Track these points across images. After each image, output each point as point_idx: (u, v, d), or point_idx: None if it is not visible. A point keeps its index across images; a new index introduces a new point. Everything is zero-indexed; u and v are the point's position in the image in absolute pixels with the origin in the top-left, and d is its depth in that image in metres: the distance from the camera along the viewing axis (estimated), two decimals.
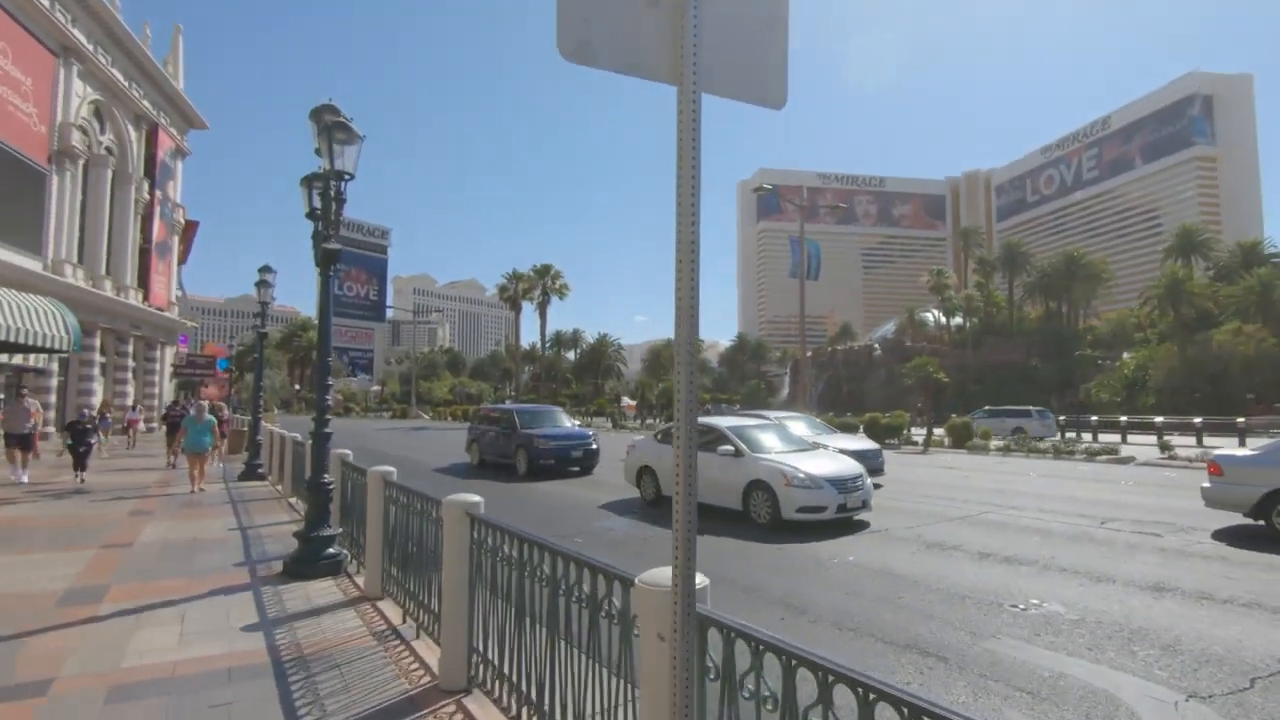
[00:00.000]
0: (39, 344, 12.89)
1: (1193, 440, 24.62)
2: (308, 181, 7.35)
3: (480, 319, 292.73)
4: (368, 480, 6.14)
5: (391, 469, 6.02)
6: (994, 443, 23.61)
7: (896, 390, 76.73)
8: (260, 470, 14.79)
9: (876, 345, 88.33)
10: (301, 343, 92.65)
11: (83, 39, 28.15)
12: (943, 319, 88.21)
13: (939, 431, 26.01)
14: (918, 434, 26.85)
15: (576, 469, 16.42)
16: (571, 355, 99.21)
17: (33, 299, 13.36)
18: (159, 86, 35.32)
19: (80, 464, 13.89)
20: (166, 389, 39.36)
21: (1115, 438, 26.52)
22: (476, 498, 4.29)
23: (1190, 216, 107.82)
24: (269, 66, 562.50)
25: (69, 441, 14.20)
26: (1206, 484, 9.04)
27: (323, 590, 6.14)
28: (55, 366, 26.84)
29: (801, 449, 10.44)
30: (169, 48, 37.57)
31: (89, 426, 14.46)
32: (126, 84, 31.96)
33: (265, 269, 14.95)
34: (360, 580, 6.36)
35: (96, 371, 30.47)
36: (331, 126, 6.28)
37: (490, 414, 18.53)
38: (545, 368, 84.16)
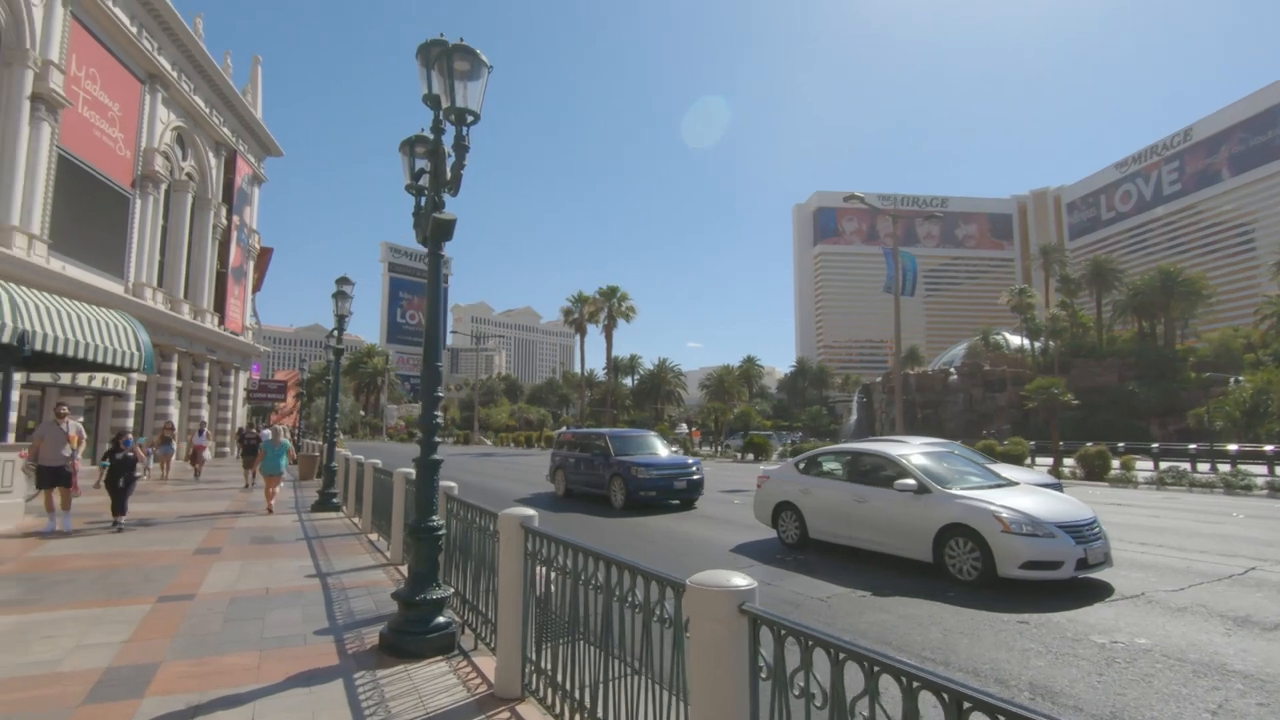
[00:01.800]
0: (110, 361, 11.92)
1: None
2: (408, 145, 5.84)
3: (535, 346, 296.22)
4: (499, 527, 4.44)
5: (532, 513, 4.31)
6: (1140, 473, 20.56)
7: (976, 416, 72.25)
8: (335, 500, 13.44)
9: (952, 370, 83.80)
10: (367, 369, 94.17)
11: (168, 66, 28.54)
12: (1020, 341, 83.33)
13: (1068, 462, 23.04)
14: (1040, 462, 23.93)
15: (677, 502, 14.53)
16: (628, 381, 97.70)
17: (103, 312, 12.47)
18: (238, 114, 35.86)
19: (119, 505, 10.60)
20: (240, 414, 39.46)
21: (1226, 467, 22.84)
22: (743, 580, 2.53)
23: None
24: (338, 96, 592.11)
25: (105, 478, 10.84)
26: None
27: (437, 680, 4.42)
28: (133, 390, 26.70)
29: (1000, 484, 8.29)
30: (248, 77, 38.32)
31: (130, 456, 10.90)
32: (208, 111, 32.41)
33: (343, 280, 13.79)
34: (486, 665, 4.62)
35: (173, 395, 30.39)
36: (451, 52, 4.73)
37: (578, 439, 16.85)
38: (606, 393, 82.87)
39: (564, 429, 26.46)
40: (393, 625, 5.01)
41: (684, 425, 76.90)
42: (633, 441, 15.83)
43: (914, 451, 8.78)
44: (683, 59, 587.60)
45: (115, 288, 24.93)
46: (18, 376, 20.13)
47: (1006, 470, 11.31)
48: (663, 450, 16.04)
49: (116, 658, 4.69)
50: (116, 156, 25.59)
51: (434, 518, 5.20)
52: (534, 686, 4.08)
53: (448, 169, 5.25)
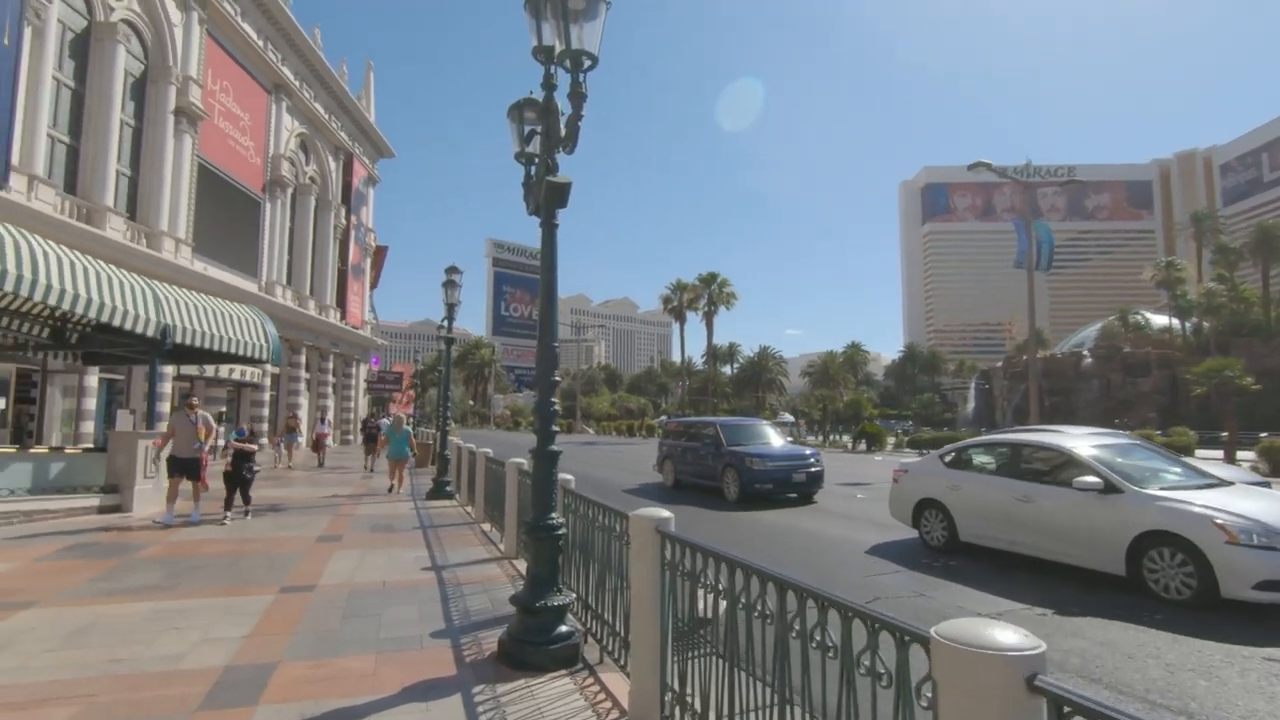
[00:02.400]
0: (241, 352, 12.47)
1: None
2: (517, 110, 5.33)
3: (634, 336, 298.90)
4: (630, 531, 3.85)
5: (667, 514, 3.69)
6: None
7: (1114, 403, 65.54)
8: (449, 488, 13.54)
9: (1086, 352, 76.49)
10: (475, 360, 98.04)
11: (290, 76, 30.22)
12: (1165, 320, 74.95)
13: (1244, 455, 20.02)
14: (1204, 455, 20.94)
15: (794, 495, 13.61)
16: (727, 369, 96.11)
17: (235, 306, 13.06)
18: (354, 119, 37.67)
19: (236, 496, 10.29)
20: (361, 403, 41.80)
21: None
22: (1021, 637, 1.72)
23: None
24: (443, 97, 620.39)
25: (226, 470, 10.43)
26: None
27: (563, 701, 3.90)
28: (268, 382, 28.65)
29: (1209, 483, 6.89)
30: (361, 83, 40.19)
31: (245, 448, 10.37)
32: (327, 117, 34.18)
33: (452, 269, 13.82)
34: (615, 684, 4.07)
35: (303, 386, 32.44)
36: None
37: (686, 428, 16.23)
38: (706, 381, 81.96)
39: (664, 417, 25.82)
40: (512, 633, 4.55)
41: (785, 414, 74.90)
42: (745, 430, 15.01)
43: (1090, 443, 7.48)
44: (772, 30, 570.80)
45: (250, 286, 26.75)
46: (169, 369, 21.92)
47: (1212, 467, 9.60)
48: (776, 439, 15.12)
49: (236, 655, 4.50)
50: (248, 163, 27.39)
51: (553, 515, 4.70)
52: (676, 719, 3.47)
53: (561, 126, 4.69)
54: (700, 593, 3.24)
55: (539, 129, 4.93)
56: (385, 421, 30.94)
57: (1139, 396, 65.18)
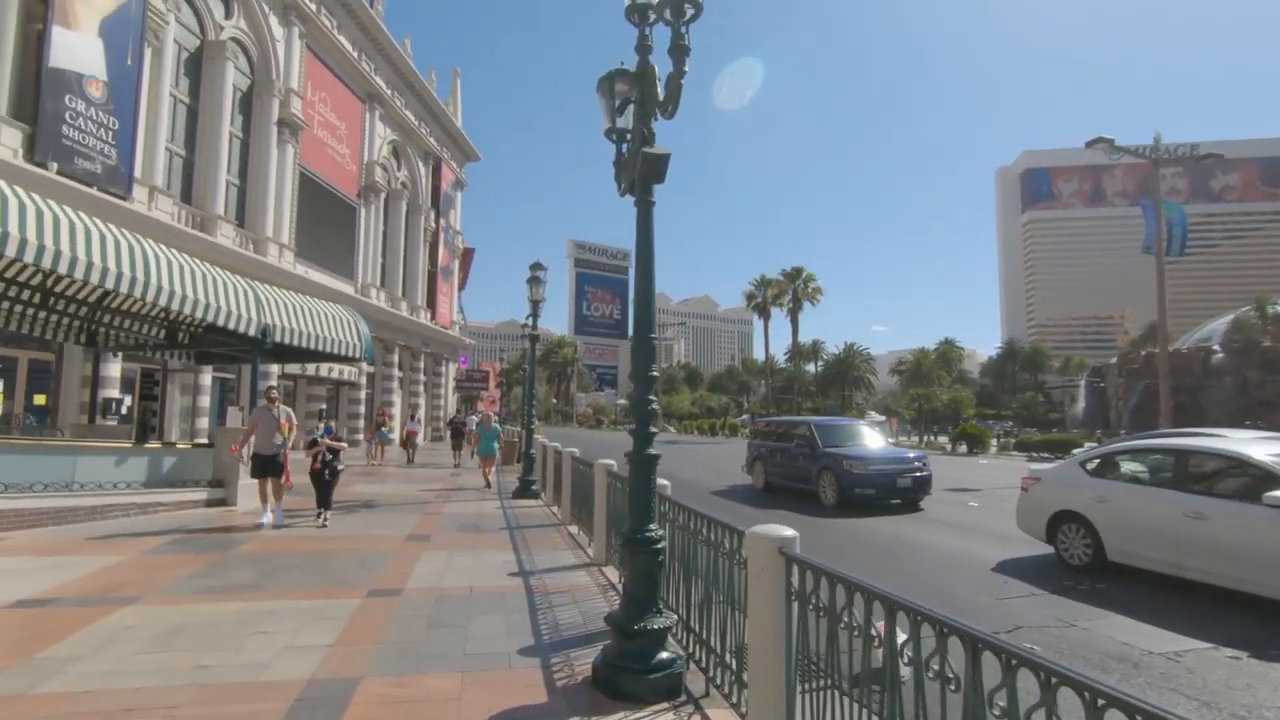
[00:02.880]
0: (335, 351, 12.73)
1: None
2: (607, 82, 4.83)
3: (714, 334, 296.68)
4: (748, 551, 3.29)
5: (791, 534, 3.11)
6: None
7: (1252, 402, 59.12)
8: (534, 487, 13.37)
9: (1216, 346, 69.37)
10: (558, 359, 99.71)
11: (383, 85, 31.29)
12: None
13: None
14: None
15: (897, 502, 12.60)
16: (811, 368, 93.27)
17: (330, 306, 13.38)
18: (443, 125, 38.73)
19: (324, 499, 9.69)
20: (450, 401, 43.07)
21: None
22: None
23: None
24: (526, 100, 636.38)
25: (313, 469, 9.71)
26: None
27: None
28: (364, 380, 29.82)
29: None
30: (449, 90, 41.31)
31: (333, 445, 9.79)
32: (417, 124, 35.25)
33: (536, 265, 13.65)
34: None
35: (395, 384, 33.61)
36: None
37: (777, 428, 15.45)
38: (790, 379, 79.89)
39: (746, 416, 24.70)
40: (608, 658, 4.08)
41: (873, 413, 71.83)
42: (841, 431, 14.08)
43: (1270, 450, 6.28)
44: (857, 11, 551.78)
45: (347, 288, 27.87)
46: (274, 368, 23.04)
47: None
48: (876, 440, 14.12)
49: (320, 666, 4.25)
50: (345, 171, 28.55)
51: (652, 527, 4.20)
52: None
53: (659, 90, 4.18)
54: (843, 634, 2.65)
55: (633, 98, 4.44)
56: (473, 419, 31.69)
57: None
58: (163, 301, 9.51)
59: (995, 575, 7.46)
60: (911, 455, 13.14)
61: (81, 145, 15.40)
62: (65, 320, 12.30)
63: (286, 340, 11.70)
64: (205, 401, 20.12)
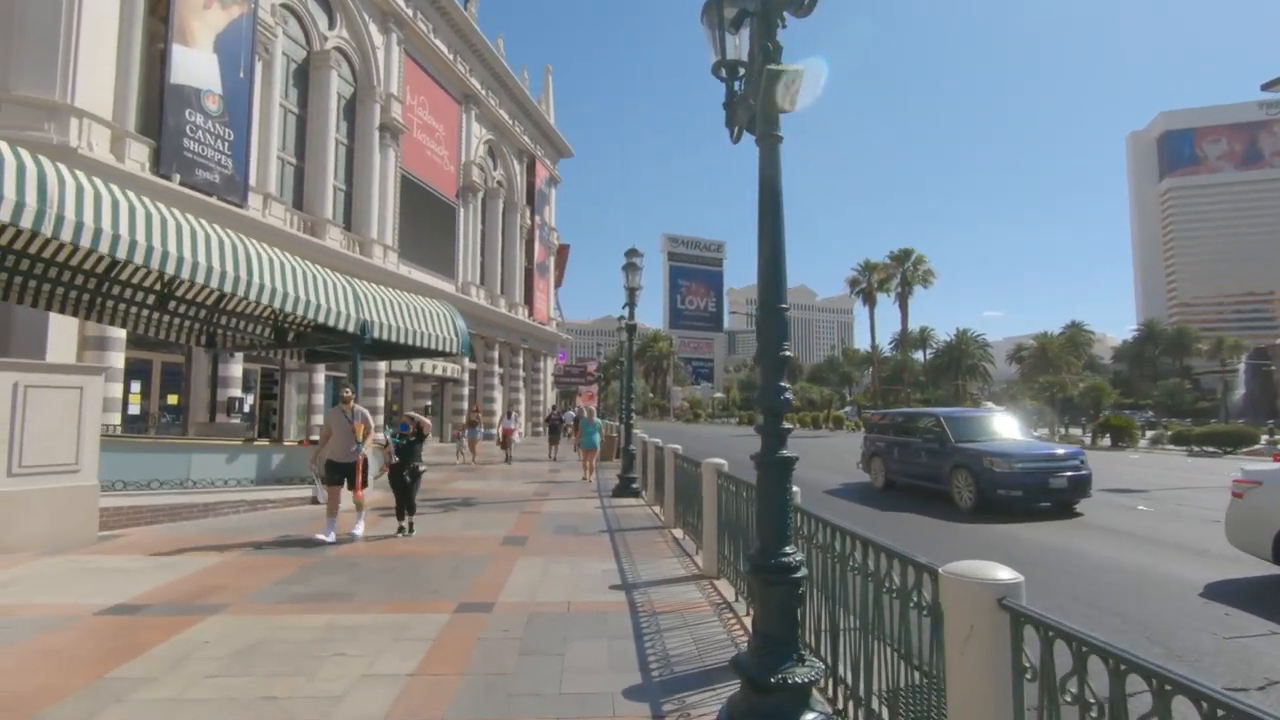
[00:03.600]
0: (431, 346, 12.58)
1: None
2: (715, 8, 3.96)
3: (811, 324, 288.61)
4: (946, 598, 2.33)
5: (1015, 578, 2.12)
6: None
7: None
8: (634, 485, 12.70)
9: None
10: (654, 353, 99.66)
11: (478, 85, 31.71)
12: None
13: None
14: None
15: (1047, 505, 10.94)
16: (919, 356, 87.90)
17: (426, 301, 13.27)
18: (536, 122, 39.00)
19: (406, 505, 8.44)
20: (549, 396, 43.55)
21: None
22: None
23: None
24: (618, 97, 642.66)
25: (389, 471, 8.52)
26: None
27: None
28: (466, 376, 30.42)
29: None
30: (541, 87, 41.58)
31: (410, 440, 8.50)
32: (511, 122, 35.60)
33: (632, 252, 12.95)
34: None
35: (496, 380, 34.18)
36: None
37: (899, 421, 14.00)
38: (897, 369, 75.76)
39: (849, 408, 22.58)
40: (739, 708, 3.23)
41: (987, 403, 66.60)
42: (976, 423, 12.50)
43: None
44: None
45: (448, 287, 28.44)
46: (381, 366, 23.73)
47: None
48: (1016, 434, 12.42)
49: (395, 704, 3.66)
50: (443, 172, 29.12)
51: (788, 550, 3.29)
52: None
53: None
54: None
55: (751, 7, 3.53)
56: (569, 414, 31.71)
57: None
58: (265, 299, 9.53)
59: (1208, 604, 5.98)
60: (1064, 451, 11.39)
61: (201, 157, 16.17)
62: (186, 323, 12.82)
63: (384, 336, 11.61)
64: (320, 400, 20.92)
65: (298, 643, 4.55)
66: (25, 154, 6.83)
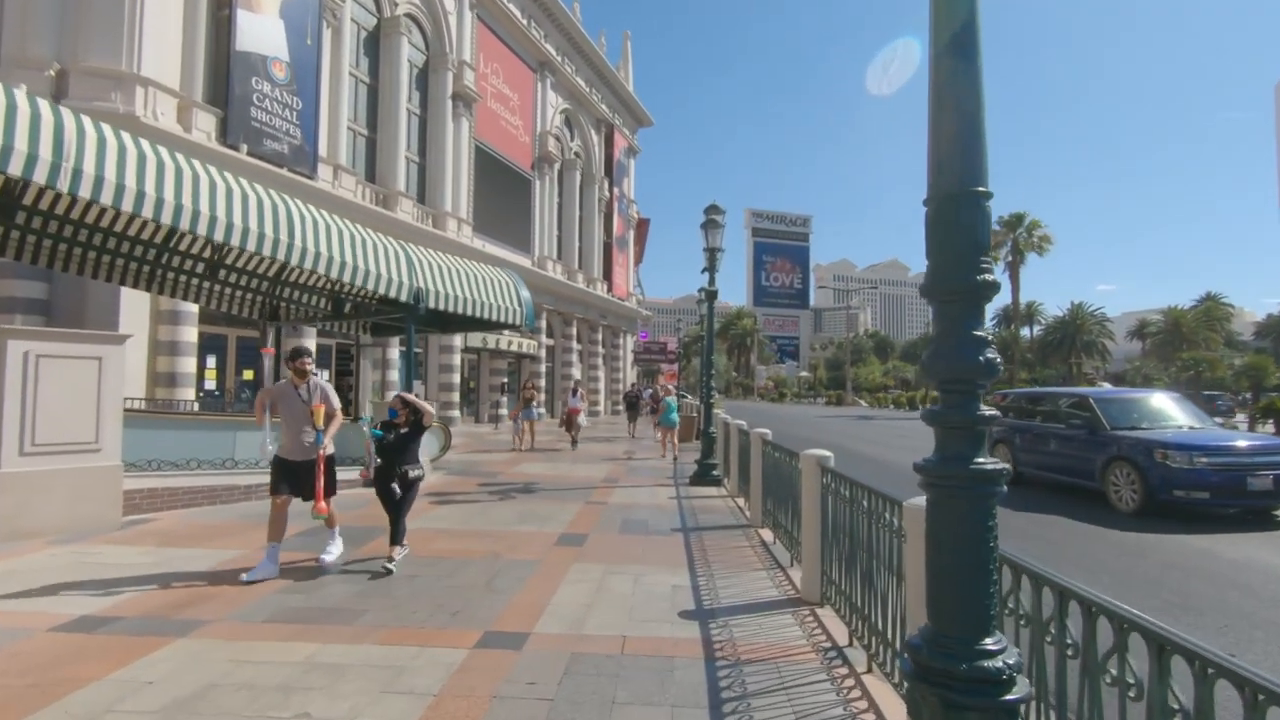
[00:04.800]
0: (491, 317, 11.52)
1: None
2: None
3: (904, 300, 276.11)
4: None
5: None
6: None
7: None
8: (715, 473, 11.25)
9: None
10: (737, 330, 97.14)
11: (553, 52, 30.53)
12: None
13: None
14: None
15: (1234, 509, 8.66)
16: (1026, 333, 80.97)
17: (487, 269, 12.20)
18: (614, 90, 37.54)
19: (395, 527, 5.80)
20: (629, 374, 42.56)
21: None
22: None
23: None
24: (701, 62, 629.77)
25: (373, 475, 6.01)
26: None
27: None
28: (543, 353, 29.72)
29: None
30: (619, 53, 40.03)
31: (403, 432, 5.96)
32: (588, 90, 34.29)
33: (713, 209, 11.36)
34: None
35: (574, 357, 33.39)
36: None
37: (1034, 402, 11.79)
38: (1003, 346, 70.01)
39: (1016, 391, 19.16)
40: None
41: (1104, 383, 60.44)
42: (1136, 406, 10.21)
43: None
44: None
45: (524, 261, 27.66)
46: (457, 341, 23.21)
47: None
48: (1189, 418, 10.06)
49: None
50: (518, 143, 28.23)
51: (989, 644, 1.78)
52: None
53: None
54: None
55: None
56: (647, 391, 30.59)
57: None
58: (308, 264, 8.67)
59: None
60: (1260, 442, 9.01)
61: (269, 126, 15.75)
62: (249, 295, 12.29)
63: (440, 306, 10.61)
64: (393, 375, 20.57)
65: (257, 690, 3.43)
66: (66, 113, 6.05)
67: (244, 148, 15.01)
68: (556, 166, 31.43)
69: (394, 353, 20.68)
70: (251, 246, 8.14)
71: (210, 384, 15.59)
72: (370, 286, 9.62)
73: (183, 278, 10.91)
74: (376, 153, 20.67)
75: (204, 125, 14.40)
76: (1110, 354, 79.83)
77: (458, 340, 22.99)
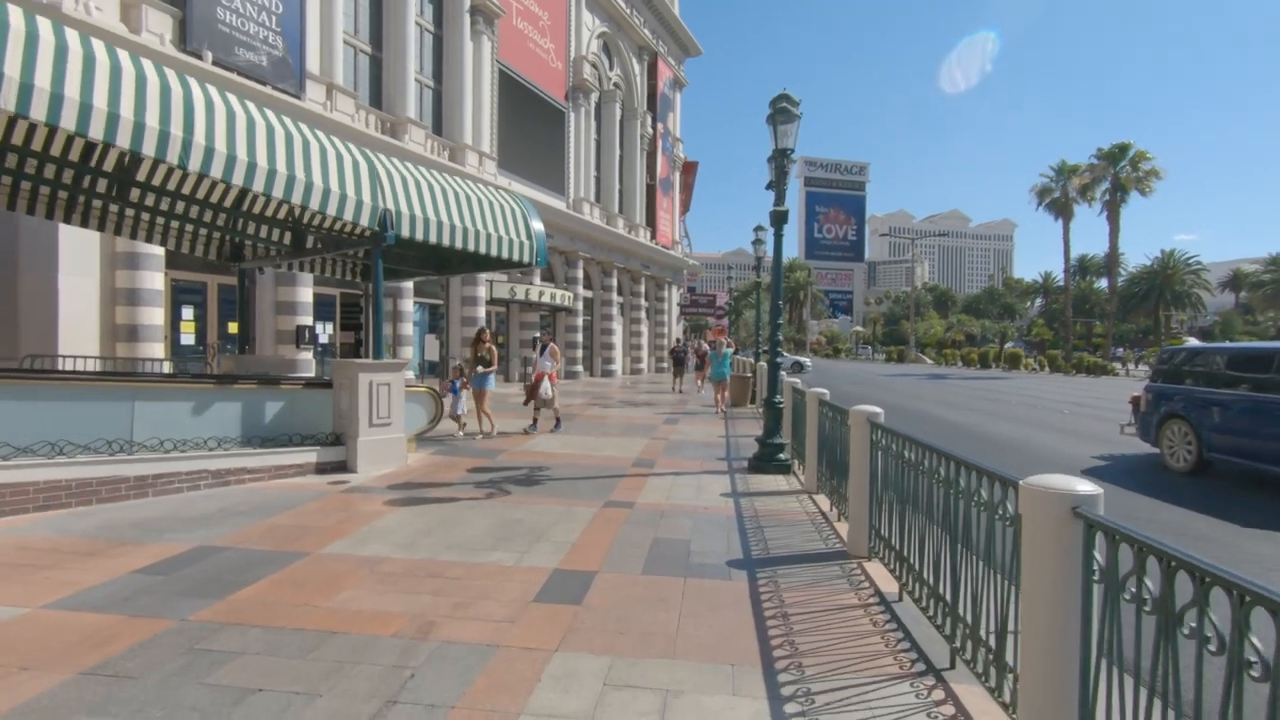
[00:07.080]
0: (488, 250, 8.86)
1: None
2: None
3: (964, 252, 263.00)
4: None
5: None
6: None
7: None
8: (781, 456, 8.48)
9: None
10: (789, 283, 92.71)
11: None
12: None
13: None
14: None
15: None
16: (1103, 284, 74.28)
17: (488, 190, 9.50)
18: (658, 13, 33.76)
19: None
20: (675, 329, 39.73)
21: None
22: None
23: None
24: None
25: None
26: None
27: None
28: (580, 306, 27.12)
29: None
30: None
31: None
32: (629, 12, 30.68)
33: (783, 98, 8.31)
34: None
35: (615, 310, 30.74)
36: None
37: (1233, 363, 8.54)
38: (1078, 298, 64.15)
39: (1186, 348, 15.27)
40: None
41: (1190, 338, 54.58)
42: None
43: None
44: None
45: (558, 203, 24.89)
46: (481, 292, 20.72)
47: None
48: None
49: None
50: (549, 69, 25.13)
51: None
52: None
53: None
54: None
55: None
56: (694, 345, 27.89)
57: None
58: (225, 175, 6.16)
59: None
60: None
61: (241, 31, 13.22)
62: (202, 231, 9.92)
63: (417, 234, 8.02)
64: (408, 329, 18.32)
65: None
66: None
67: (209, 55, 12.55)
68: (594, 98, 28.24)
69: (408, 304, 18.40)
70: (171, 158, 5.73)
71: (188, 338, 13.56)
72: (322, 207, 7.08)
73: (95, 203, 8.57)
74: (382, 73, 18.01)
75: (156, 26, 11.93)
76: (1204, 306, 72.84)
77: (481, 291, 20.57)
